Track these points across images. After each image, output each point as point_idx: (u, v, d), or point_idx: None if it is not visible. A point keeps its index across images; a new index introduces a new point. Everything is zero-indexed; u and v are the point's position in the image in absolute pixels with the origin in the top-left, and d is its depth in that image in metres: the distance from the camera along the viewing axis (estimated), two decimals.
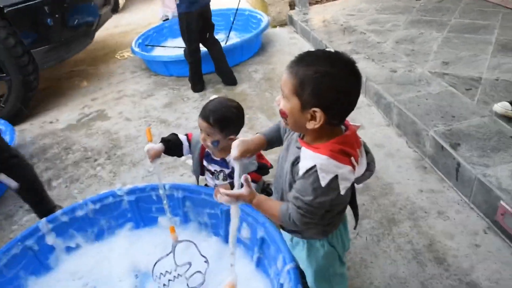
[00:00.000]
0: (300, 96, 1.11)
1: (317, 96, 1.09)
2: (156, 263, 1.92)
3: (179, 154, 2.11)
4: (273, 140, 1.49)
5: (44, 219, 2.18)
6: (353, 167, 1.15)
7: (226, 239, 2.14)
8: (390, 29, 4.20)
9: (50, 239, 2.19)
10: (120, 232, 2.33)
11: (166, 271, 1.93)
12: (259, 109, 3.46)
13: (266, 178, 2.09)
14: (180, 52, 4.06)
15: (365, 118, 3.08)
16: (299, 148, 1.22)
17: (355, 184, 1.34)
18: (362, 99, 3.34)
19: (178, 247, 1.98)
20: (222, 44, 4.10)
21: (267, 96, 3.64)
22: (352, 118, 2.97)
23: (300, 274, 1.57)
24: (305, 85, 1.09)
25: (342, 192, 1.14)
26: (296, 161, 1.21)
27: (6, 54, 3.53)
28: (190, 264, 1.95)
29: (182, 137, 2.09)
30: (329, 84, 1.08)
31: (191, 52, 3.85)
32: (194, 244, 2.02)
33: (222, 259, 2.05)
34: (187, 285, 1.91)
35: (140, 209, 2.33)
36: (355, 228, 1.53)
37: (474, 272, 1.86)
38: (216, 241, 2.17)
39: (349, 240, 1.51)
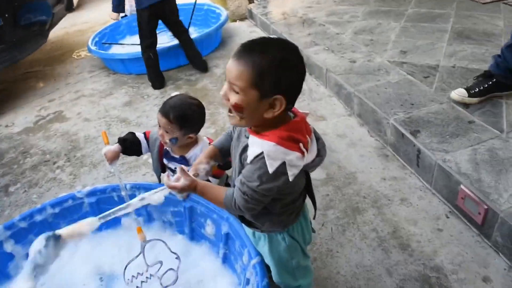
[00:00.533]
0: (260, 86, 1.07)
1: (278, 83, 1.07)
2: (126, 266, 1.85)
3: (138, 153, 2.06)
4: (225, 147, 1.47)
5: (0, 226, 2.09)
6: (302, 153, 1.14)
7: (191, 237, 2.12)
8: (348, 20, 4.24)
9: (9, 247, 2.10)
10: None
11: (138, 272, 1.87)
12: (220, 104, 3.42)
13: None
14: (138, 49, 3.99)
15: (326, 109, 3.10)
16: (247, 137, 1.20)
17: (309, 172, 1.33)
18: (323, 90, 3.36)
19: (146, 247, 1.93)
20: None
21: None
22: (314, 109, 2.97)
23: (266, 268, 1.56)
24: (265, 75, 1.05)
25: (291, 178, 1.13)
26: (245, 149, 1.19)
27: None
28: (161, 263, 1.91)
29: (140, 135, 2.04)
30: (288, 69, 1.07)
31: (144, 49, 3.82)
32: (163, 242, 1.98)
33: (189, 256, 2.02)
34: (161, 284, 1.87)
35: (102, 211, 2.25)
36: (314, 218, 1.54)
37: (437, 256, 1.90)
38: (182, 238, 2.13)
39: (311, 233, 1.50)
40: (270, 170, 1.10)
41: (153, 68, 3.89)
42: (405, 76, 2.98)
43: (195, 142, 1.98)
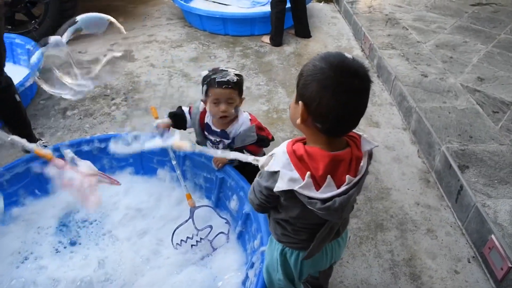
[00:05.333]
0: (297, 86, 1.11)
1: (302, 87, 1.07)
2: (174, 231, 1.93)
3: (184, 127, 2.16)
4: None
5: (51, 147, 2.24)
6: (303, 179, 1.07)
7: (216, 204, 2.19)
8: (434, 30, 4.06)
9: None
10: (120, 174, 2.40)
11: (188, 237, 1.95)
12: (281, 83, 3.42)
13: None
14: (218, 8, 4.02)
15: (384, 117, 3.03)
16: None
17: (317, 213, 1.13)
18: (386, 96, 3.28)
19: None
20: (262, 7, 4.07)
21: (292, 71, 3.60)
22: (370, 114, 2.91)
23: None
24: (300, 77, 1.09)
25: (275, 188, 1.11)
26: None
27: None
28: (211, 227, 2.00)
29: (185, 109, 2.13)
30: (315, 78, 1.03)
31: (276, 3, 3.93)
32: (212, 207, 2.08)
33: (210, 222, 2.08)
34: (212, 247, 1.97)
35: (142, 157, 2.38)
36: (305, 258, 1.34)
37: None
38: (207, 204, 2.20)
39: (308, 274, 1.46)
40: (265, 168, 1.15)
41: (280, 24, 4.01)
42: (473, 105, 2.85)
43: (236, 117, 2.03)
